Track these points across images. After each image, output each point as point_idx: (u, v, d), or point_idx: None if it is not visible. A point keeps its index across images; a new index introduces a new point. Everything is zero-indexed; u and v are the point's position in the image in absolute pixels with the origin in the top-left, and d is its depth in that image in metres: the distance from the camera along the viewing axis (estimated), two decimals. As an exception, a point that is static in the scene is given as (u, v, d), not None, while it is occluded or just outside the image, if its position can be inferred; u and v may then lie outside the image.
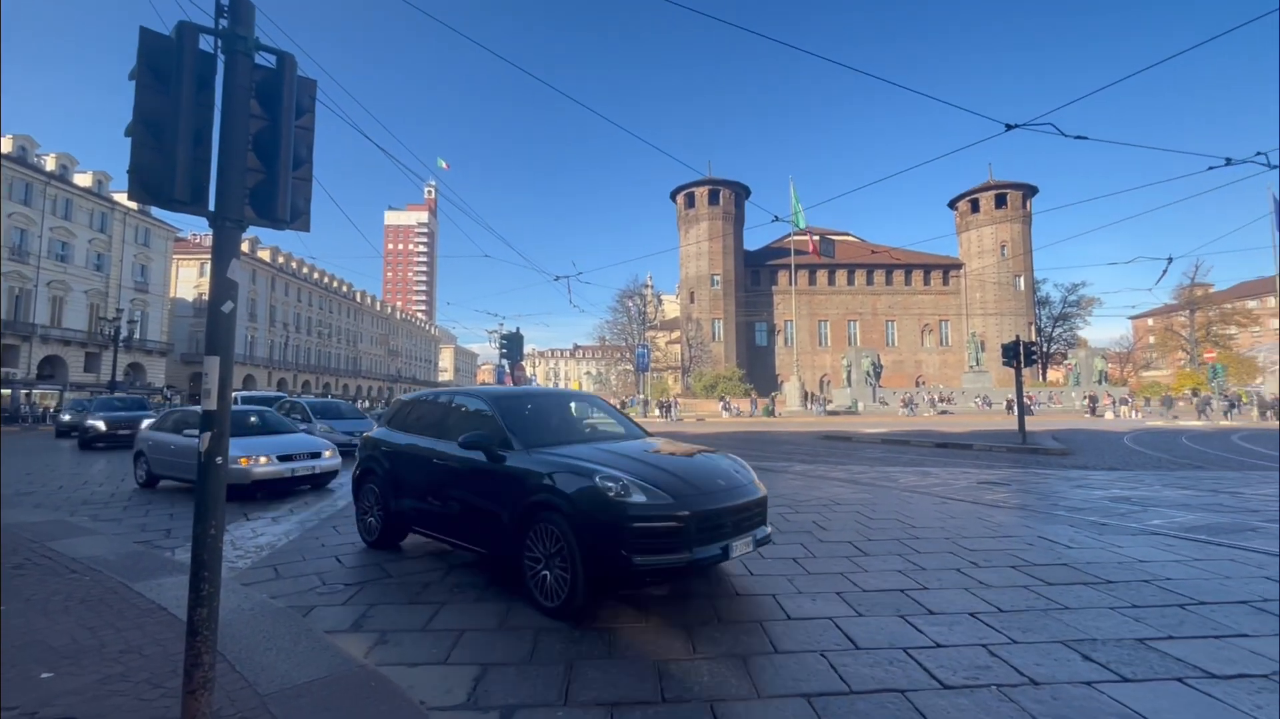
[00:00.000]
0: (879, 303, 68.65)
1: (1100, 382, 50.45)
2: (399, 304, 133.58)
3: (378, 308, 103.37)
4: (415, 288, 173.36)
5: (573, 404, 6.29)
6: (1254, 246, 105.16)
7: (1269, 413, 34.96)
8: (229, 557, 5.90)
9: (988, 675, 3.22)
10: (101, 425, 17.97)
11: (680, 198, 66.56)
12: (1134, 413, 40.85)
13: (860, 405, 48.54)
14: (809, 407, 48.81)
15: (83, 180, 49.57)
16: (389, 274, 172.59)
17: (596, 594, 4.30)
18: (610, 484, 4.04)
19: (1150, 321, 77.38)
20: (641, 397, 48.77)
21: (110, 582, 4.69)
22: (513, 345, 23.04)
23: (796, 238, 54.57)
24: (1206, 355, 49.47)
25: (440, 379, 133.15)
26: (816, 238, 51.64)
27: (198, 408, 9.70)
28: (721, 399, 49.74)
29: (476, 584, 4.95)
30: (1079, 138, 10.55)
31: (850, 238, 74.40)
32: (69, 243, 47.06)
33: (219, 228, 2.58)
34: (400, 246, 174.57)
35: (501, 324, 44.79)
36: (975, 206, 65.96)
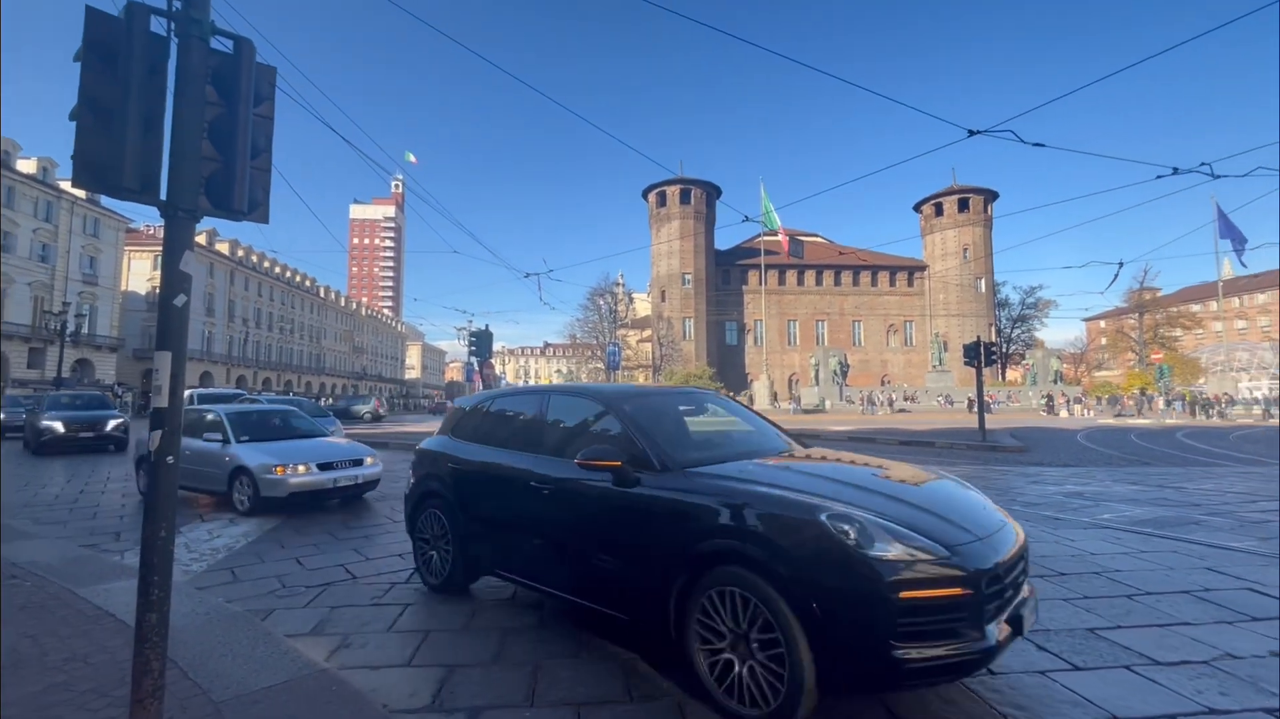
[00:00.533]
0: (846, 303, 69.90)
1: (1056, 381, 52.29)
2: (365, 300, 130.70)
3: (342, 303, 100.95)
4: (381, 283, 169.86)
5: (709, 404, 4.73)
6: (1198, 253, 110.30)
7: (1211, 411, 36.77)
8: (183, 559, 5.70)
9: (947, 667, 3.30)
10: (59, 427, 16.38)
11: (652, 196, 66.66)
12: (1087, 411, 42.47)
13: (827, 404, 49.41)
14: (779, 404, 49.46)
15: (26, 166, 47.11)
16: (354, 269, 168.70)
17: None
18: (845, 525, 2.61)
19: (1102, 324, 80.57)
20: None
21: (54, 587, 4.48)
22: (482, 343, 22.78)
23: (767, 238, 55.14)
24: (1154, 356, 51.78)
25: (407, 377, 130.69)
26: (787, 238, 52.31)
27: (209, 408, 9.19)
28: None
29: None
30: (1037, 145, 10.87)
31: (819, 239, 75.58)
32: (11, 232, 44.68)
33: (171, 218, 2.48)
34: (366, 241, 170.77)
35: (470, 321, 44.25)
36: (939, 210, 67.62)
